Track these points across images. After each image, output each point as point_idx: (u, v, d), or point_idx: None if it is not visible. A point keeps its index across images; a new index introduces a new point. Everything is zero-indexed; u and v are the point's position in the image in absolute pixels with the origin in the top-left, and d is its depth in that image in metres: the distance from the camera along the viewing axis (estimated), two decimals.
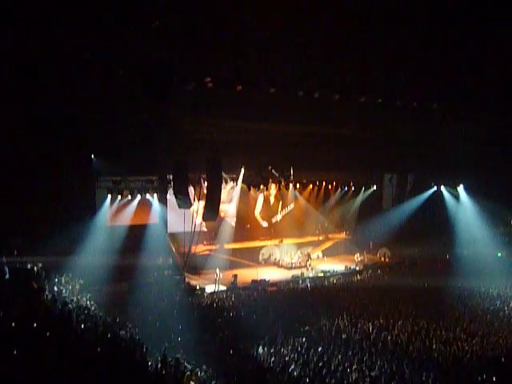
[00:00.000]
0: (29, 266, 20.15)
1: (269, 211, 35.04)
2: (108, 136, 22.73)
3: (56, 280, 20.34)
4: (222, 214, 30.88)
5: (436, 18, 17.17)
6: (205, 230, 30.26)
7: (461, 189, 34.60)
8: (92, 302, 19.22)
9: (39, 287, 17.27)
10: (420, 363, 14.89)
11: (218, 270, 26.62)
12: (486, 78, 21.88)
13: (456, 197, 35.01)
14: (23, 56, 16.53)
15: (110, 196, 26.94)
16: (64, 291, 19.22)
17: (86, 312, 16.18)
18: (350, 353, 15.84)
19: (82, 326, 12.71)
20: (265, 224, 34.79)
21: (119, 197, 27.23)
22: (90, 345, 10.83)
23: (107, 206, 27.30)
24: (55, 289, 18.80)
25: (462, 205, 34.33)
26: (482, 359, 15.48)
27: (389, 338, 17.38)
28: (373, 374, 14.11)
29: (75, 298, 18.74)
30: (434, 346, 16.54)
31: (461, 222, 33.36)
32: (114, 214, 27.86)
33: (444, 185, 35.31)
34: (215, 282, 26.15)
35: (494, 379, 13.48)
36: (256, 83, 21.41)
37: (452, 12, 16.78)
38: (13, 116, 19.62)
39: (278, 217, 35.24)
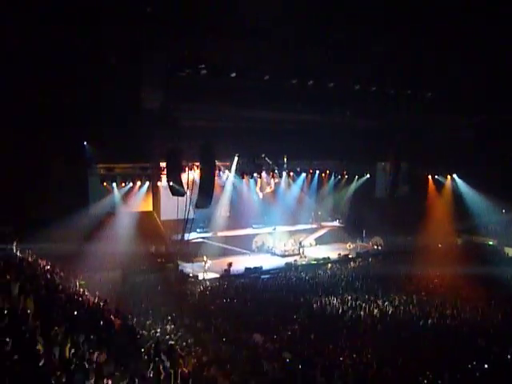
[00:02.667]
0: (20, 254, 20.02)
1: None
2: (101, 123, 22.58)
3: (48, 268, 20.27)
4: None
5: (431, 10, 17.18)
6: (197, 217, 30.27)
7: (455, 178, 34.81)
8: (85, 289, 19.19)
9: (32, 275, 17.19)
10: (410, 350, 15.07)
11: (205, 258, 26.71)
12: (482, 73, 21.96)
13: (445, 185, 35.35)
14: (16, 44, 16.36)
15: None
16: (57, 278, 19.15)
17: (78, 299, 16.16)
18: (342, 340, 15.99)
19: (75, 313, 12.68)
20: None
21: (114, 184, 27.16)
22: (83, 331, 10.82)
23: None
24: (48, 276, 18.73)
25: (456, 194, 34.53)
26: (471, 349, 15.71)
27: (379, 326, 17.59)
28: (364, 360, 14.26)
29: (68, 285, 18.70)
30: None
31: (454, 211, 33.56)
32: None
33: (436, 174, 35.46)
34: (203, 269, 26.25)
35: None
36: (250, 70, 21.34)
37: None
38: (3, 104, 19.43)
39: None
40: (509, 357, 14.66)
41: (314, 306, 20.16)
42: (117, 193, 27.61)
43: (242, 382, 11.89)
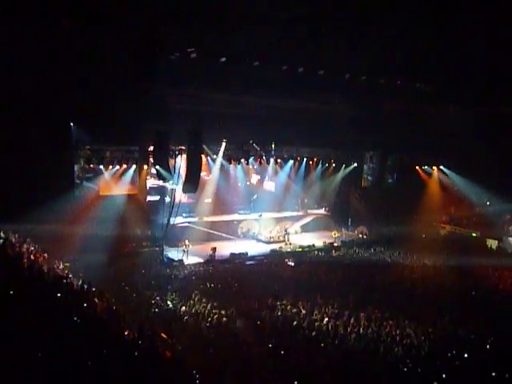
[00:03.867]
0: (3, 235, 19.82)
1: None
2: (88, 104, 22.30)
3: (32, 248, 20.13)
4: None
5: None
6: (185, 202, 30.25)
7: (442, 169, 35.12)
8: (69, 272, 19.12)
9: (15, 255, 17.06)
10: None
11: (187, 242, 26.80)
12: (474, 64, 21.96)
13: (431, 176, 35.66)
14: (5, 22, 16.05)
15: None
16: (40, 260, 19.04)
17: (62, 281, 16.08)
18: (325, 328, 16.14)
19: (58, 295, 12.62)
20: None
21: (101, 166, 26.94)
22: (65, 314, 10.79)
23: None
24: (32, 257, 18.62)
25: (442, 185, 34.86)
26: (451, 338, 15.92)
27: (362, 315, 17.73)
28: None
29: (52, 267, 18.61)
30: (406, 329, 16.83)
31: (438, 202, 33.89)
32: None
33: (423, 165, 35.68)
34: (184, 253, 26.35)
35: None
36: (240, 56, 21.18)
37: None
38: None
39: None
40: (488, 347, 14.90)
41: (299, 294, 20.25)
42: (105, 175, 27.41)
43: (224, 367, 11.97)
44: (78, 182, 26.65)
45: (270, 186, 35.13)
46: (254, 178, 35.04)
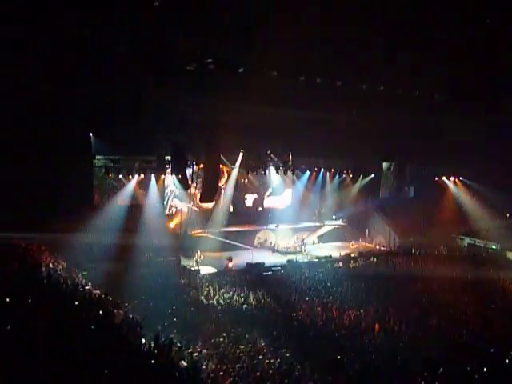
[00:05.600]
0: (24, 244, 20.07)
1: None
2: (107, 115, 22.57)
3: (51, 257, 20.34)
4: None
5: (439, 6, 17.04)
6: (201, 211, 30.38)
7: (461, 180, 34.85)
8: (87, 280, 19.25)
9: (34, 264, 17.25)
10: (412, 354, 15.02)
11: (199, 252, 26.81)
12: (488, 71, 21.75)
13: (450, 188, 35.36)
14: (22, 31, 16.30)
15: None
16: (59, 268, 19.22)
17: (80, 290, 16.22)
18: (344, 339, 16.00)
19: (76, 303, 12.72)
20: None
21: (120, 176, 27.24)
22: (83, 322, 10.86)
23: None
24: (50, 266, 18.81)
25: (460, 196, 34.53)
26: (473, 349, 15.63)
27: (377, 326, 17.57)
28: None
29: (70, 276, 18.76)
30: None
31: (457, 214, 33.51)
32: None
33: (442, 176, 35.41)
34: (196, 263, 26.39)
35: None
36: (258, 66, 21.27)
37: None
38: (11, 95, 19.41)
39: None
40: (507, 361, 14.58)
41: (315, 304, 20.10)
42: (124, 184, 27.66)
43: (240, 377, 11.93)
44: (97, 191, 26.92)
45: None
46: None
